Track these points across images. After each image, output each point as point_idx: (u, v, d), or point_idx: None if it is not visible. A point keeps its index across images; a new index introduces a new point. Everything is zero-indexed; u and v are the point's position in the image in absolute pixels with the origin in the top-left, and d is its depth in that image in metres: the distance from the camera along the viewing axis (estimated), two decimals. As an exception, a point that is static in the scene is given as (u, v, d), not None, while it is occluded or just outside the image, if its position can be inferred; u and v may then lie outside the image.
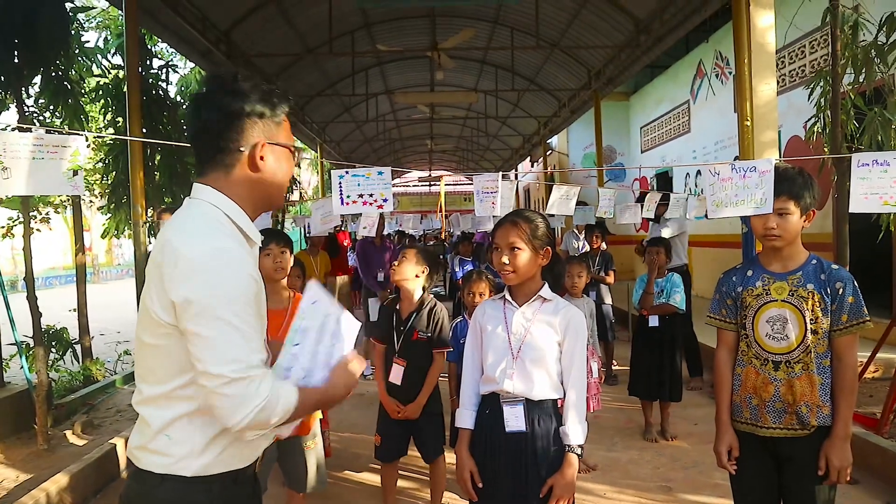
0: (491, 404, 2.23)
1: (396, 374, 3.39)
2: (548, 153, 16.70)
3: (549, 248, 2.23)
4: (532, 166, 19.91)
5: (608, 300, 6.59)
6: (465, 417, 2.30)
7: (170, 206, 5.72)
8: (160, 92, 7.03)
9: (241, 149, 1.47)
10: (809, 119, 5.70)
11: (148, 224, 5.17)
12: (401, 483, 4.03)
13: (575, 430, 2.16)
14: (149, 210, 6.62)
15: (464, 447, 2.26)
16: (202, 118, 1.47)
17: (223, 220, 1.46)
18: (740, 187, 2.48)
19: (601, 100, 10.39)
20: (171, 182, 6.82)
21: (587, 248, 7.76)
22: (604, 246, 6.87)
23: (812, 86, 5.60)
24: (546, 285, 2.26)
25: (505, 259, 2.17)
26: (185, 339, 1.36)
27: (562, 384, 2.19)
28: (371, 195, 3.20)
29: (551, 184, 4.66)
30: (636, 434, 4.95)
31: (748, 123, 5.36)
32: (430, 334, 3.40)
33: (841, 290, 2.17)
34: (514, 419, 2.17)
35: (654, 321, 4.82)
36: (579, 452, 2.18)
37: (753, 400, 2.27)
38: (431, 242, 16.85)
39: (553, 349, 2.18)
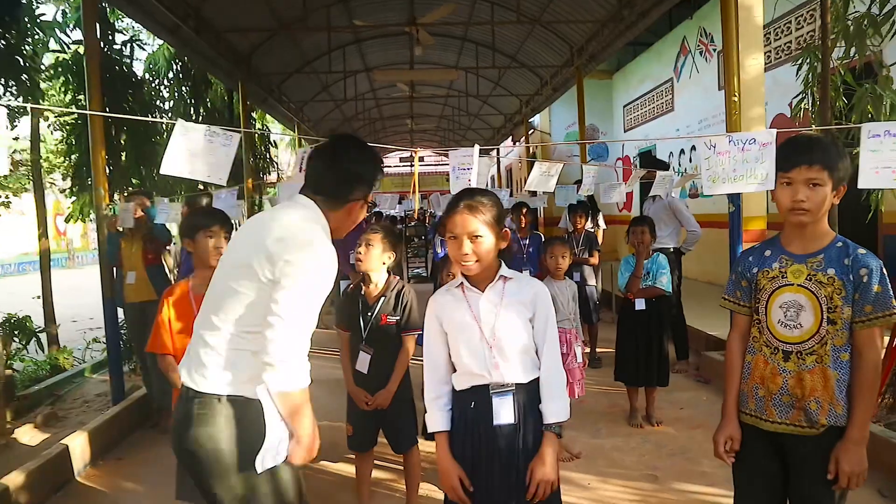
0: (475, 397, 2.06)
1: (363, 362, 3.23)
2: (530, 132, 16.49)
3: (507, 229, 2.09)
4: (514, 146, 19.71)
5: (592, 281, 6.44)
6: (438, 419, 2.11)
7: (139, 190, 5.45)
8: (124, 69, 6.70)
9: (349, 202, 2.03)
10: (797, 95, 5.56)
11: (112, 208, 4.89)
12: (378, 474, 3.88)
13: (552, 408, 2.04)
14: (114, 194, 6.35)
15: (445, 452, 2.08)
16: (334, 166, 2.01)
17: (319, 227, 1.95)
18: (739, 161, 2.28)
19: (584, 78, 10.18)
20: (138, 163, 6.53)
21: (598, 228, 7.61)
22: (591, 226, 6.71)
23: (800, 61, 5.46)
24: (503, 263, 2.11)
25: (466, 249, 1.99)
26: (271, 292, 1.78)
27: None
28: None
29: (534, 160, 4.50)
30: (620, 419, 4.82)
31: (735, 99, 5.19)
32: (398, 317, 3.23)
33: (866, 278, 1.96)
34: (504, 411, 2.02)
35: (640, 304, 4.67)
36: (558, 431, 2.04)
37: (760, 391, 2.10)
38: (413, 223, 16.64)
39: (527, 327, 2.07)
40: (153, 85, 8.74)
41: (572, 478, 3.82)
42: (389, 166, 31.84)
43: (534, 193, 8.97)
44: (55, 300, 7.16)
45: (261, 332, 1.77)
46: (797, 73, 5.26)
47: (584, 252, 6.44)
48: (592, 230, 7.06)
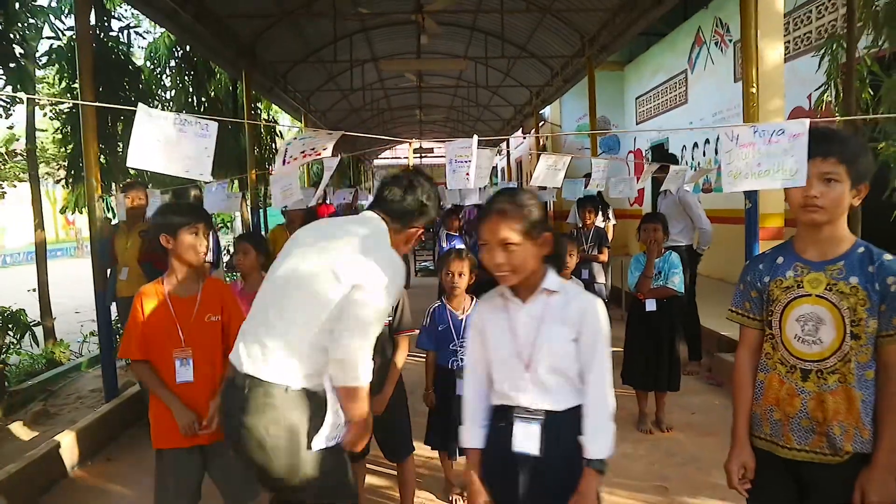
0: (504, 418, 1.89)
1: None
2: (540, 124, 16.22)
3: (548, 233, 1.84)
4: (524, 138, 19.46)
5: (601, 279, 6.23)
6: (472, 435, 1.94)
7: (135, 182, 5.29)
8: (121, 56, 6.52)
9: (411, 227, 2.31)
10: (818, 87, 5.31)
11: (104, 199, 4.72)
12: (372, 480, 3.71)
13: (595, 442, 1.80)
14: (111, 186, 6.19)
15: (474, 471, 1.92)
16: (407, 195, 2.28)
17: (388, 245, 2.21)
18: (764, 154, 2.03)
19: (595, 69, 9.93)
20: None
21: (608, 222, 7.38)
22: (602, 221, 6.49)
23: (823, 51, 5.21)
24: (551, 272, 1.89)
25: (499, 258, 1.78)
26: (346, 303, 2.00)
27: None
28: (313, 149, 2.83)
29: (544, 152, 4.26)
30: (629, 424, 4.62)
31: (753, 90, 4.95)
32: (390, 318, 3.06)
33: (894, 287, 1.74)
34: (525, 439, 1.83)
35: (650, 305, 4.46)
36: (601, 468, 1.81)
37: (775, 413, 1.89)
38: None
39: (570, 350, 1.83)
40: (155, 73, 8.56)
41: (577, 488, 3.63)
42: (398, 158, 31.66)
43: (542, 187, 8.75)
44: (61, 291, 7.05)
45: (332, 331, 1.99)
46: (819, 64, 5.01)
47: (593, 248, 6.22)
48: (602, 225, 6.84)
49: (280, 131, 12.17)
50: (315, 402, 2.05)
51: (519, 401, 1.85)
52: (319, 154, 2.82)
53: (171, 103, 8.73)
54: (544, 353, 1.82)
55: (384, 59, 11.76)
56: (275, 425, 2.00)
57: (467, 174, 3.02)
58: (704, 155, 11.16)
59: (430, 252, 14.63)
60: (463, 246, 8.49)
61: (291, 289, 2.10)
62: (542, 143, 16.96)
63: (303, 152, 2.76)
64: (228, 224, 16.57)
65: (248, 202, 8.93)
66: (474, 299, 3.58)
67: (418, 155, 28.18)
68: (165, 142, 2.52)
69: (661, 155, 6.94)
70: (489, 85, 14.16)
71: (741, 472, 1.95)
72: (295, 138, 2.68)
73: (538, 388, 1.84)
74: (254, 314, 2.18)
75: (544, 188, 9.16)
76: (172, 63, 8.79)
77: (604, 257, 6.22)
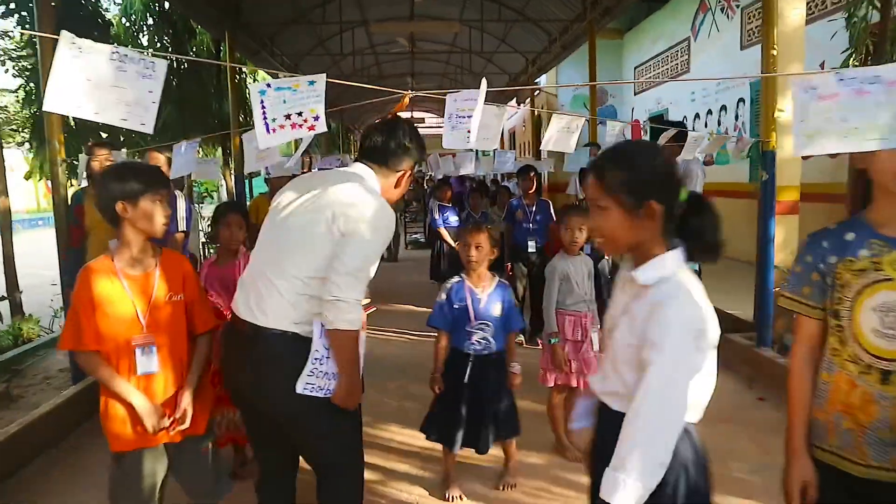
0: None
1: None
2: (535, 93, 15.76)
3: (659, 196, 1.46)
4: (519, 107, 18.99)
5: (606, 255, 5.89)
6: None
7: (101, 142, 4.86)
8: (89, 7, 6.02)
9: (398, 171, 2.33)
10: (845, 51, 4.94)
11: (66, 164, 4.32)
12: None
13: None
14: (81, 148, 5.75)
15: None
16: (389, 140, 2.30)
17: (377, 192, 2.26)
18: (850, 108, 1.68)
19: (596, 35, 9.48)
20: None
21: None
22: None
23: (850, 10, 4.83)
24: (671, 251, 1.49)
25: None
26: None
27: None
28: (300, 114, 2.38)
29: (546, 118, 3.86)
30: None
31: (775, 52, 4.58)
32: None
33: None
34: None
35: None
36: None
37: (845, 422, 1.57)
38: (412, 186, 16.03)
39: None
40: (131, 32, 8.03)
41: (580, 481, 3.33)
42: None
43: (537, 156, 8.35)
44: (40, 262, 6.62)
45: (326, 277, 2.03)
46: (847, 23, 4.63)
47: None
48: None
49: (244, 76, 11.28)
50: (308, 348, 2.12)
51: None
52: (313, 127, 2.38)
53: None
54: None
55: (375, 22, 11.23)
56: (275, 371, 2.09)
57: (468, 132, 2.57)
58: (706, 126, 10.78)
59: (420, 224, 14.25)
60: (456, 217, 8.11)
61: (285, 239, 2.16)
62: (537, 113, 16.50)
63: (288, 116, 2.33)
64: (213, 194, 16.08)
65: (232, 170, 8.51)
66: (497, 277, 3.24)
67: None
68: (97, 82, 2.08)
69: (668, 125, 6.47)
70: (483, 51, 13.68)
71: (802, 490, 1.64)
72: (268, 85, 2.22)
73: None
74: (252, 265, 2.26)
75: (539, 157, 8.77)
76: (151, 21, 8.24)
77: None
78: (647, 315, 1.42)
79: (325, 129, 2.42)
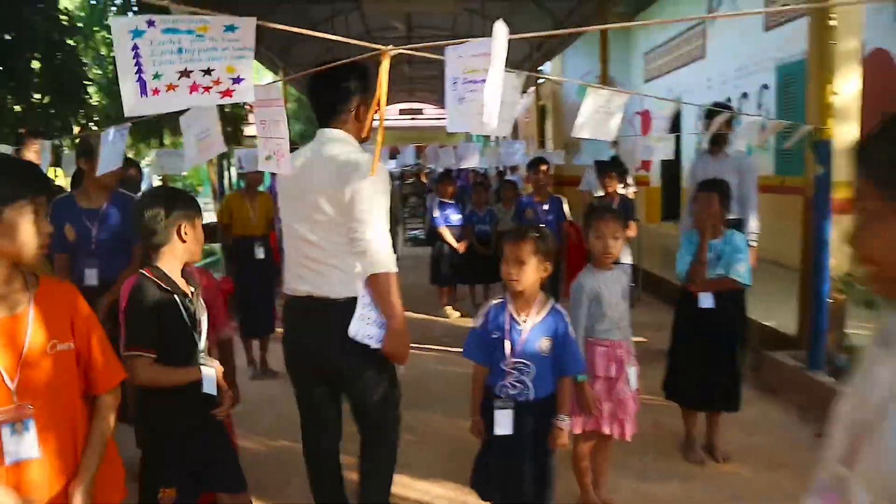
0: None
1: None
2: (540, 82, 15.03)
3: None
4: (521, 96, 18.26)
5: (626, 259, 5.20)
6: None
7: (36, 130, 4.19)
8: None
9: (352, 111, 2.40)
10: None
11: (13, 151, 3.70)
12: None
13: None
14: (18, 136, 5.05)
15: None
16: (327, 92, 2.39)
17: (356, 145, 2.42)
18: None
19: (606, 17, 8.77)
20: (61, 100, 5.16)
21: (628, 189, 6.21)
22: (622, 189, 5.40)
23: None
24: None
25: None
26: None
27: None
28: (208, 71, 1.52)
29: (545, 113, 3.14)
30: (671, 449, 3.65)
31: (834, 23, 3.87)
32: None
33: None
34: None
35: (706, 301, 3.43)
36: None
37: None
38: (410, 181, 15.33)
39: None
40: (95, 11, 7.28)
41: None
42: (387, 118, 30.17)
43: (541, 145, 7.60)
44: None
45: (353, 236, 2.21)
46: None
47: (617, 222, 5.17)
48: (625, 193, 5.74)
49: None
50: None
51: None
52: (230, 92, 1.53)
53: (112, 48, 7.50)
54: None
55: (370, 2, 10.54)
56: (337, 329, 2.22)
57: (481, 107, 1.69)
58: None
59: (420, 220, 13.54)
60: (459, 214, 7.35)
61: (303, 217, 2.30)
62: (540, 102, 15.78)
63: (186, 73, 1.52)
64: (198, 191, 15.37)
65: (214, 165, 7.81)
66: (551, 300, 2.53)
67: (408, 116, 26.78)
68: None
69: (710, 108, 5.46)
70: (485, 37, 12.96)
71: None
72: (150, 23, 1.41)
73: None
74: (288, 249, 2.42)
75: (542, 146, 8.02)
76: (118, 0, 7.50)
77: (632, 232, 5.15)
78: None
79: (251, 98, 1.64)
